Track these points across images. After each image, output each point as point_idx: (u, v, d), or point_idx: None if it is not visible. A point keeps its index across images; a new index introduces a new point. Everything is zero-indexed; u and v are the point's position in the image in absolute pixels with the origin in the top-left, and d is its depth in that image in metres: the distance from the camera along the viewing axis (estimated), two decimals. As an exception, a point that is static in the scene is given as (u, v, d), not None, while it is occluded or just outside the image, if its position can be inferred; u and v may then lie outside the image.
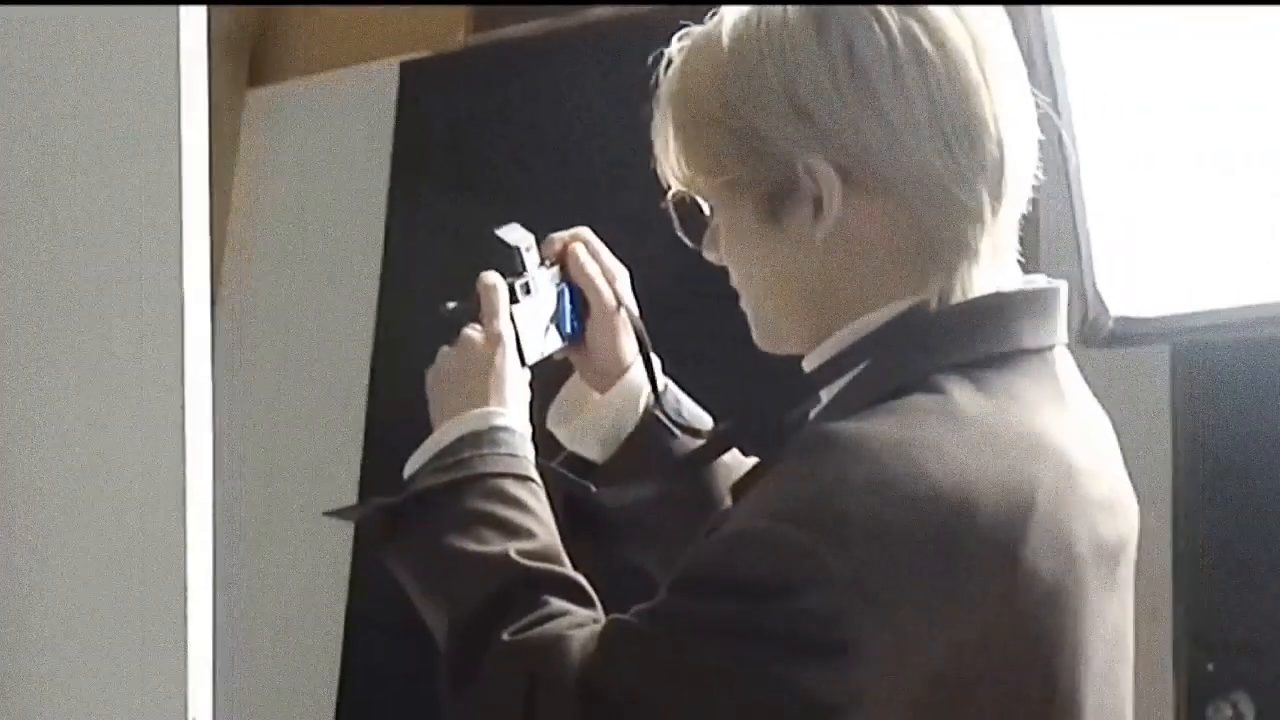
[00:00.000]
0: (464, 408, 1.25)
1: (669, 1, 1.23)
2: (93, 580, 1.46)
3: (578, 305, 1.36)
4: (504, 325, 1.28)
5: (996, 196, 1.14)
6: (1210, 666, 2.11)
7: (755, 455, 1.31)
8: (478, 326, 1.28)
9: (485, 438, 1.23)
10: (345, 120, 3.02)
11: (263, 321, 3.03)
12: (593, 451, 1.36)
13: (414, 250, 2.82)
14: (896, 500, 1.05)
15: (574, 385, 1.39)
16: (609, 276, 1.36)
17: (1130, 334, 1.78)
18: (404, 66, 2.94)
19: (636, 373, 1.35)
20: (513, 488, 1.21)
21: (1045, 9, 1.73)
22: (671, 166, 1.20)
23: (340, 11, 3.04)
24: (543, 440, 1.33)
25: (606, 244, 1.39)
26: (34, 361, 1.49)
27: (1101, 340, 1.77)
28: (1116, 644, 1.15)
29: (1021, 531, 1.07)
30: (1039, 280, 1.19)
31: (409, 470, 1.24)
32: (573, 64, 2.71)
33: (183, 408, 1.47)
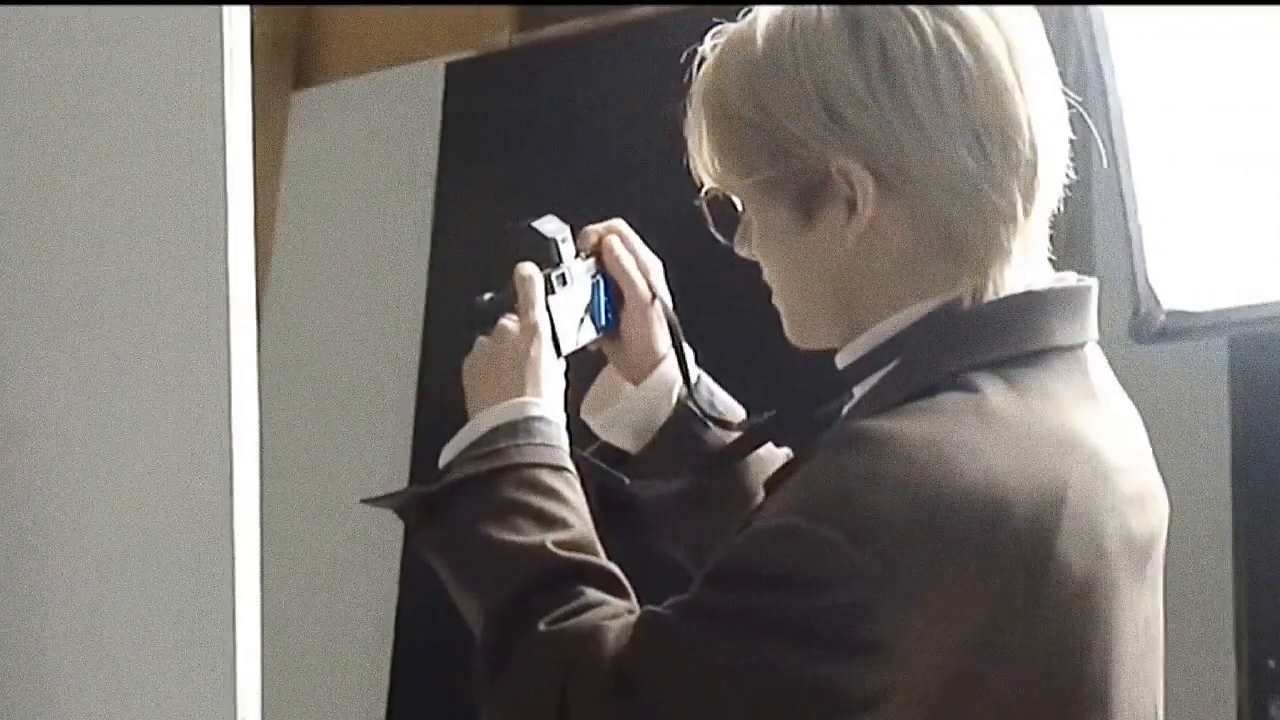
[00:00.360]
0: (500, 398, 1.25)
1: (709, 1, 1.22)
2: (141, 582, 1.47)
3: (612, 297, 1.36)
4: (540, 316, 1.28)
5: (1029, 197, 1.14)
6: (1272, 663, 2.08)
7: (789, 449, 1.32)
8: (514, 317, 1.29)
9: (520, 428, 1.23)
10: (391, 121, 3.03)
11: (311, 322, 3.04)
12: (626, 441, 1.37)
13: (461, 249, 2.82)
14: (927, 499, 1.05)
15: (608, 376, 1.39)
16: (643, 269, 1.36)
17: (1183, 328, 1.76)
18: (449, 67, 2.95)
19: (670, 364, 1.36)
20: (548, 478, 1.21)
21: (1095, 7, 1.71)
22: (704, 165, 1.21)
23: (385, 12, 3.04)
24: (577, 430, 1.33)
25: (648, 239, 1.39)
26: (81, 364, 1.50)
27: (1154, 335, 1.76)
28: (1147, 637, 1.16)
29: (1053, 528, 1.07)
30: (1070, 278, 1.19)
31: (445, 459, 1.25)
32: (616, 63, 2.71)
33: (229, 409, 1.46)
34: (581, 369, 1.37)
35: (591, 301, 1.35)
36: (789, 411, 1.27)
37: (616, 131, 2.66)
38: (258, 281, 2.91)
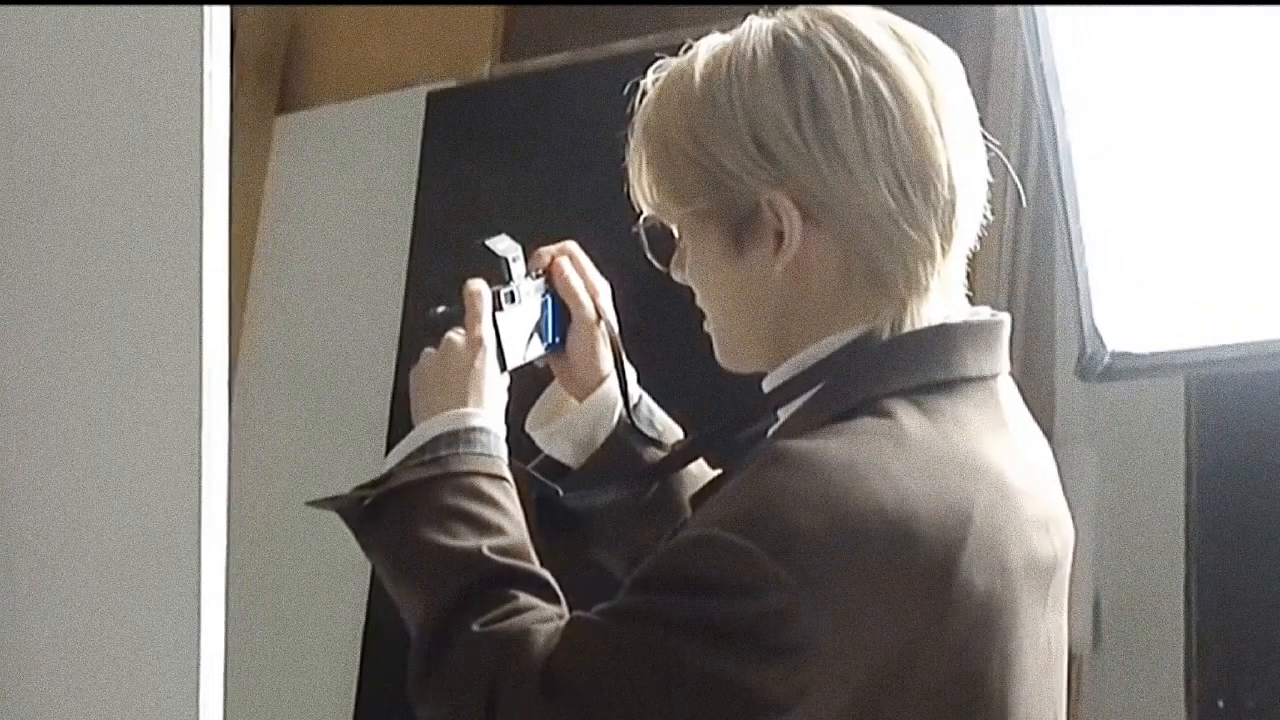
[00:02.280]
0: (443, 407, 1.30)
1: (708, 1, 1.26)
2: (106, 584, 1.49)
3: (560, 316, 1.40)
4: (485, 330, 1.33)
5: (946, 236, 1.20)
6: (1220, 703, 2.11)
7: (716, 468, 1.36)
8: (461, 331, 1.33)
9: (462, 437, 1.28)
10: (372, 148, 3.05)
11: (288, 346, 3.05)
12: (567, 456, 1.41)
13: (438, 272, 2.83)
14: (841, 514, 1.11)
15: (553, 391, 1.44)
16: (591, 290, 1.41)
17: (1128, 369, 1.80)
18: (430, 96, 2.98)
19: (613, 383, 1.41)
20: (486, 486, 1.26)
21: (1045, 45, 1.75)
22: (643, 193, 1.26)
23: (369, 39, 3.07)
24: (519, 443, 1.37)
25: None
26: (57, 373, 1.51)
27: (1099, 375, 1.80)
28: (1049, 654, 1.21)
29: (959, 547, 1.13)
30: (984, 313, 1.25)
31: (388, 464, 1.29)
32: (597, 95, 2.72)
33: (200, 424, 1.49)
34: (528, 384, 1.42)
35: (540, 319, 1.39)
36: (719, 431, 1.32)
37: (591, 159, 2.67)
38: (238, 303, 2.93)
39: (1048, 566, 1.20)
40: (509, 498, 1.27)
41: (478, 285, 1.34)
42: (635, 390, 1.43)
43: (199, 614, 1.44)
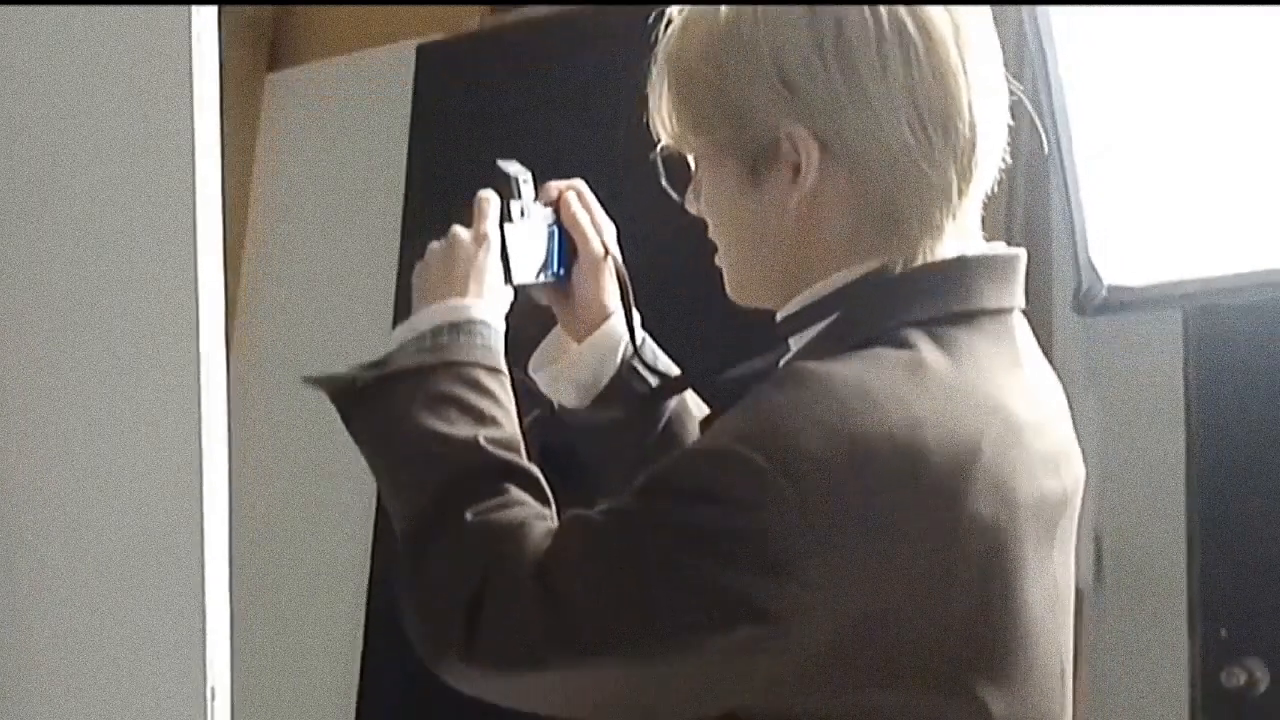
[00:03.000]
0: (445, 296, 1.29)
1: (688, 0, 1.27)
2: (108, 583, 1.49)
3: (566, 250, 1.40)
4: (491, 228, 1.33)
5: (964, 177, 1.20)
6: (1224, 633, 2.12)
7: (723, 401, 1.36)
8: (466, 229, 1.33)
9: (463, 328, 1.27)
10: (363, 103, 3.04)
11: (283, 305, 3.05)
12: (570, 398, 1.41)
13: (432, 229, 2.83)
14: (850, 436, 1.10)
15: (556, 335, 1.43)
16: (598, 226, 1.41)
17: (1124, 302, 1.80)
18: (420, 49, 2.96)
19: (616, 323, 1.40)
20: (484, 378, 1.25)
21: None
22: (663, 122, 1.26)
23: (357, -5, 3.05)
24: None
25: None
26: (51, 349, 1.51)
27: (1095, 308, 1.80)
28: (1054, 592, 1.20)
29: (966, 477, 1.12)
30: (999, 247, 1.24)
31: (385, 350, 1.28)
32: (588, 45, 2.72)
33: (198, 383, 1.48)
34: (527, 335, 1.41)
35: (546, 247, 1.38)
36: (728, 364, 1.31)
37: (594, 116, 2.67)
38: (232, 261, 2.92)
39: (1056, 504, 1.20)
40: (505, 392, 1.26)
41: (488, 192, 1.35)
42: (641, 333, 1.42)
43: (203, 613, 1.44)
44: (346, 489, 2.75)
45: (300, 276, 3.06)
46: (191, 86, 1.50)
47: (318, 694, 2.87)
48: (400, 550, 1.21)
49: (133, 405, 1.50)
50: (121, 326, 1.51)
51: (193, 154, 1.50)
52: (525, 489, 1.21)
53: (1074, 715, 1.25)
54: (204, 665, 1.45)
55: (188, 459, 1.47)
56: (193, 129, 1.50)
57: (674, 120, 1.24)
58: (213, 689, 1.45)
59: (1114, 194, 1.84)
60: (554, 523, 1.18)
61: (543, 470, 1.32)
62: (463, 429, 1.22)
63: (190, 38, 1.50)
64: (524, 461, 1.23)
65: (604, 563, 1.13)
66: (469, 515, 1.17)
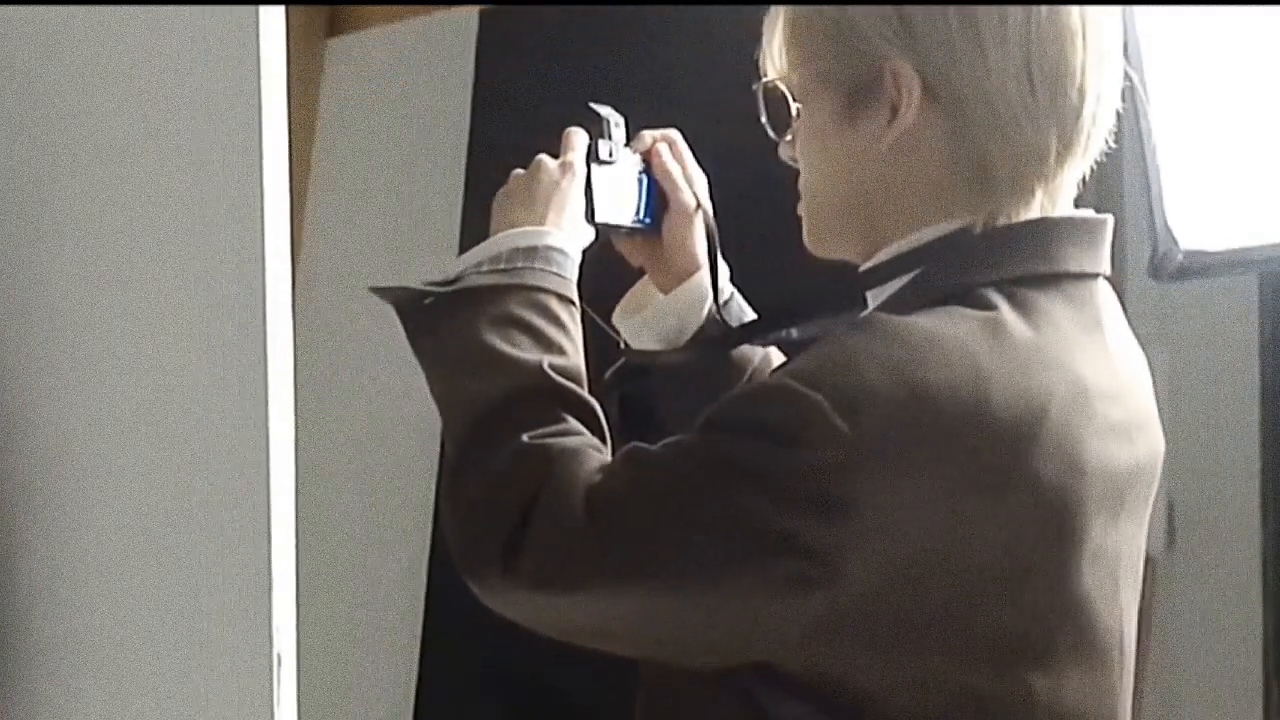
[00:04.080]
0: (524, 222, 1.29)
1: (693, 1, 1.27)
2: (176, 513, 1.48)
3: (655, 199, 1.39)
4: (578, 159, 1.33)
5: (1065, 143, 1.18)
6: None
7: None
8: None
9: (539, 254, 1.27)
10: (425, 68, 3.03)
11: (346, 270, 3.04)
12: (653, 348, 1.40)
13: (496, 191, 2.82)
14: (914, 382, 1.10)
15: (643, 285, 1.43)
16: (689, 178, 1.40)
17: (1201, 266, 1.78)
18: (483, 14, 2.95)
19: (704, 276, 1.39)
20: (555, 305, 1.25)
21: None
22: (772, 57, 1.25)
23: (418, -41, 3.04)
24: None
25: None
26: (114, 302, 1.51)
27: (1172, 274, 1.77)
28: (1117, 563, 1.18)
29: (1029, 439, 1.11)
30: (1086, 212, 1.22)
31: (458, 269, 1.27)
32: (656, 7, 2.71)
33: (264, 343, 1.48)
34: (617, 283, 1.40)
35: (635, 191, 1.37)
36: (805, 309, 1.30)
37: (657, 76, 2.67)
38: (295, 228, 2.92)
39: (1126, 474, 1.18)
40: (574, 322, 1.26)
41: (577, 128, 1.35)
42: (728, 287, 1.41)
43: (269, 577, 1.43)
44: (411, 448, 2.76)
45: (361, 244, 3.07)
46: (258, 52, 1.49)
47: (382, 660, 2.89)
48: (449, 463, 1.20)
49: (198, 357, 1.50)
50: (188, 290, 1.51)
51: (260, 124, 1.49)
52: (583, 419, 1.21)
53: (1140, 687, 1.23)
54: (270, 631, 1.46)
55: (253, 415, 1.47)
56: (259, 95, 1.49)
57: (782, 52, 1.23)
58: (279, 655, 1.46)
59: (1191, 158, 1.81)
60: (609, 457, 1.18)
61: (622, 419, 1.34)
62: (528, 352, 1.21)
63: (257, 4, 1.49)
64: (585, 393, 1.22)
65: (654, 491, 1.13)
66: (525, 437, 1.17)
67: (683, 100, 2.24)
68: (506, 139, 2.89)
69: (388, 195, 3.07)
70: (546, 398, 1.20)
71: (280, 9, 1.51)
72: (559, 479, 1.15)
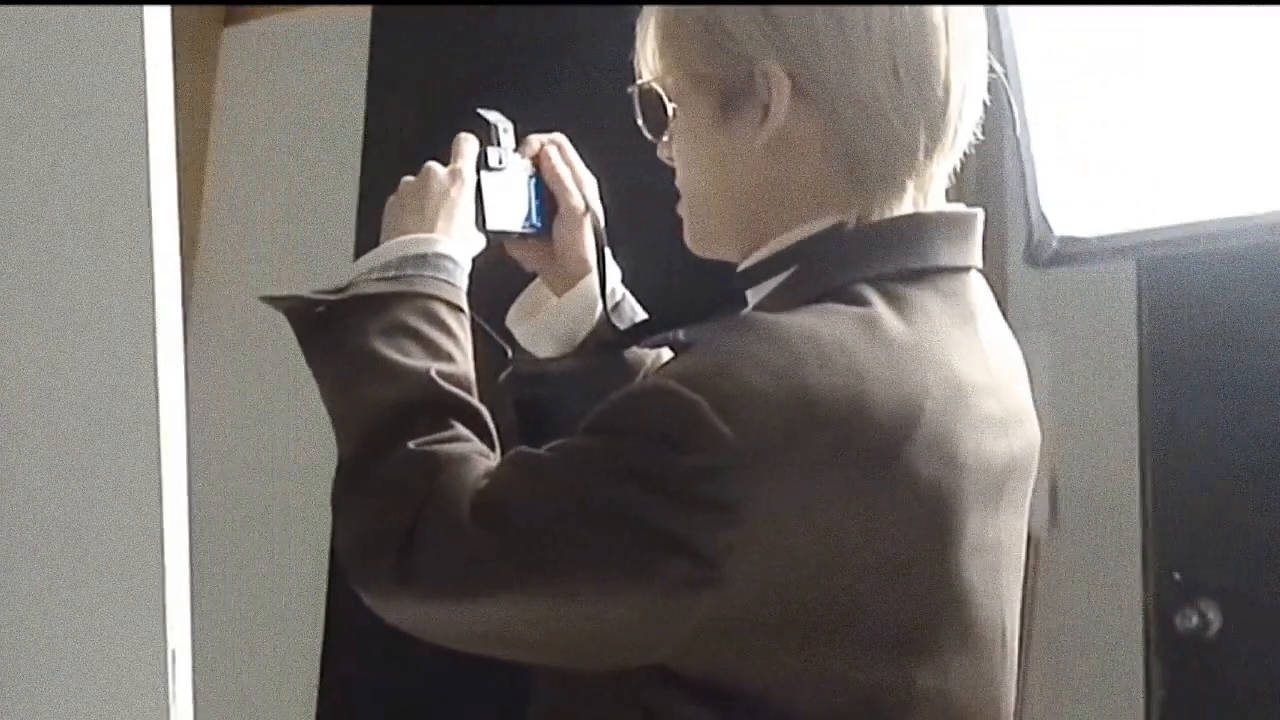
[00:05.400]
0: (414, 229, 1.30)
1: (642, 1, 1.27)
2: (67, 513, 1.46)
3: (545, 202, 1.40)
4: (467, 166, 1.33)
5: (933, 136, 1.20)
6: (1177, 576, 2.14)
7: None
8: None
9: (429, 261, 1.28)
10: (321, 55, 3.01)
11: (243, 260, 3.03)
12: (548, 352, 1.41)
13: (391, 181, 2.81)
14: (794, 383, 1.10)
15: (535, 289, 1.44)
16: (578, 181, 1.41)
17: (1076, 253, 1.81)
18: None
19: (595, 279, 1.40)
20: (444, 313, 1.26)
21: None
22: (646, 59, 1.26)
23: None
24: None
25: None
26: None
27: (1047, 260, 1.80)
28: (997, 555, 1.21)
29: (906, 436, 1.13)
30: (957, 206, 1.24)
31: (350, 277, 1.28)
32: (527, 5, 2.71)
33: (155, 348, 1.47)
34: (508, 287, 1.42)
35: (525, 197, 1.39)
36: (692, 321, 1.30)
37: (552, 64, 2.67)
38: (190, 218, 2.87)
39: (1002, 467, 1.20)
40: (464, 330, 1.27)
41: (467, 135, 1.35)
42: (619, 289, 1.42)
43: (162, 573, 1.42)
44: (313, 443, 2.74)
45: (258, 231, 3.04)
46: (143, 51, 1.48)
47: (282, 657, 2.88)
48: (339, 473, 1.21)
49: (88, 354, 1.48)
50: (74, 288, 1.49)
51: (145, 117, 1.48)
52: (472, 427, 1.21)
53: (1025, 666, 1.26)
54: (164, 628, 1.45)
55: (143, 412, 1.45)
56: (144, 93, 1.48)
57: (656, 55, 1.25)
58: (174, 652, 1.45)
59: (1065, 145, 1.84)
60: (504, 456, 1.19)
61: (518, 425, 1.35)
62: (417, 360, 1.22)
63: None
64: (473, 400, 1.23)
65: (539, 494, 1.13)
66: (412, 444, 1.18)
67: (577, 96, 2.25)
68: (402, 124, 2.90)
69: (285, 185, 3.04)
70: (434, 406, 1.20)
71: (166, 8, 1.50)
72: (446, 486, 1.15)
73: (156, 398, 1.46)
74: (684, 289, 1.37)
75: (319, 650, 2.81)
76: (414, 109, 2.85)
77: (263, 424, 2.90)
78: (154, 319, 1.47)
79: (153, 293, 1.48)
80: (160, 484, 1.46)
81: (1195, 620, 2.12)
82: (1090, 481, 2.25)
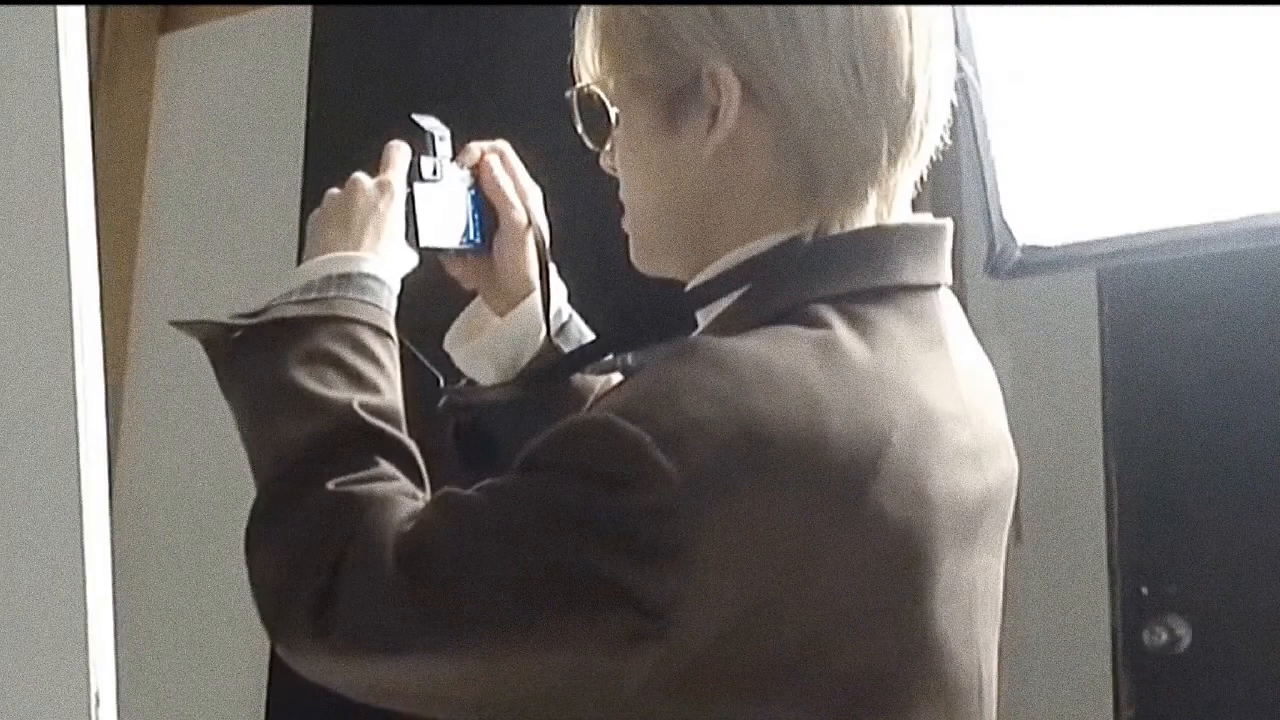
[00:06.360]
0: (338, 246, 1.20)
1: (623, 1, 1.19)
2: None
3: (485, 216, 1.32)
4: (396, 178, 1.24)
5: (896, 140, 1.11)
6: (1145, 591, 2.10)
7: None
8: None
9: (353, 281, 1.18)
10: (259, 60, 2.98)
11: (182, 269, 2.99)
12: (489, 377, 1.32)
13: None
14: (744, 414, 1.01)
15: (475, 308, 1.35)
16: (521, 192, 1.32)
17: (1039, 262, 1.75)
18: (316, 10, 2.90)
19: (540, 298, 1.31)
20: (368, 338, 1.16)
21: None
22: (585, 62, 1.18)
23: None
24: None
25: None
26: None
27: (1010, 270, 1.75)
28: (972, 600, 1.11)
29: (871, 470, 1.03)
30: (923, 217, 1.16)
31: (269, 300, 1.19)
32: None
33: (74, 375, 1.42)
34: (447, 307, 1.34)
35: (463, 210, 1.30)
36: (634, 336, 1.23)
37: (494, 69, 2.63)
38: (130, 227, 2.84)
39: (976, 503, 1.11)
40: (390, 357, 1.17)
41: (398, 142, 1.26)
42: (565, 309, 1.33)
43: (85, 612, 1.38)
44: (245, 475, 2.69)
45: (199, 239, 3.00)
46: (57, 50, 1.42)
47: (221, 696, 2.80)
48: (252, 516, 1.11)
49: (3, 379, 1.43)
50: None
51: (61, 130, 1.43)
52: (397, 464, 1.11)
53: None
54: (87, 669, 1.39)
55: (64, 450, 1.40)
56: (59, 102, 1.43)
57: (597, 56, 1.16)
58: (97, 694, 1.39)
59: (1026, 152, 1.79)
60: (430, 498, 1.09)
61: (459, 458, 1.26)
62: (338, 390, 1.12)
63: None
64: (400, 434, 1.13)
65: (471, 541, 1.03)
66: (330, 484, 1.08)
67: (519, 102, 2.21)
68: (344, 129, 2.85)
69: (226, 193, 3.00)
70: (355, 441, 1.11)
71: (79, 11, 1.44)
72: (368, 531, 1.05)
73: (76, 430, 1.41)
74: (635, 309, 1.30)
75: (263, 691, 2.73)
76: (356, 113, 2.80)
77: (208, 444, 2.83)
78: (73, 351, 1.41)
79: (71, 315, 1.43)
80: (81, 518, 1.41)
81: (1164, 636, 2.08)
82: (1054, 495, 2.21)
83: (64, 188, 1.43)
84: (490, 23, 2.65)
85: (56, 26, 1.44)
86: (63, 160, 1.43)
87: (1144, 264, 1.93)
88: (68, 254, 1.42)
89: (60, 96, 1.43)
